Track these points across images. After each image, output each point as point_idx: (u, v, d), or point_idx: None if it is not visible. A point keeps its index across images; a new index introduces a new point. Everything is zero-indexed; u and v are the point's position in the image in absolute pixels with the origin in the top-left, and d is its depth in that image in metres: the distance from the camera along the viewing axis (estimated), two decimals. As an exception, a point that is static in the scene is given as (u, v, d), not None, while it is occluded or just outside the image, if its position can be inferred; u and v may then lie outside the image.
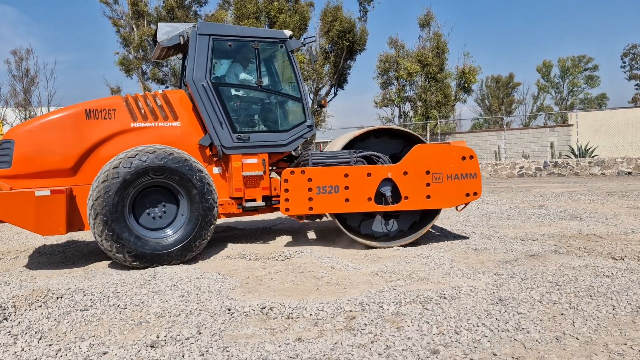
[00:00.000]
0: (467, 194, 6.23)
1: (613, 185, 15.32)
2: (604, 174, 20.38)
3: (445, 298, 4.03)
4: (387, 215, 6.51)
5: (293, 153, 7.04)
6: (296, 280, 4.83)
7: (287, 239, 7.14)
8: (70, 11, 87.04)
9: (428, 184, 6.12)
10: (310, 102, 6.69)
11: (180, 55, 7.90)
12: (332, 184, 6.01)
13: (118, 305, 4.13)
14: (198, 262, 5.77)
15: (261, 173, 6.37)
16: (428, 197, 6.15)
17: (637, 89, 58.83)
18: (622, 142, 23.32)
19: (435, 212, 6.44)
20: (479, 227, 7.69)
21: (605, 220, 7.93)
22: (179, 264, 5.67)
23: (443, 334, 3.32)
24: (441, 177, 6.14)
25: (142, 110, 6.15)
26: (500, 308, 3.76)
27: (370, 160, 6.31)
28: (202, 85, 6.23)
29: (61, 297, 4.36)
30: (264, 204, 6.46)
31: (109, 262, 5.92)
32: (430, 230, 7.55)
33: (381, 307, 3.87)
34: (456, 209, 6.47)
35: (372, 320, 3.58)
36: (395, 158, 6.43)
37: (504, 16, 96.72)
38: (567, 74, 61.84)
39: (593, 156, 21.72)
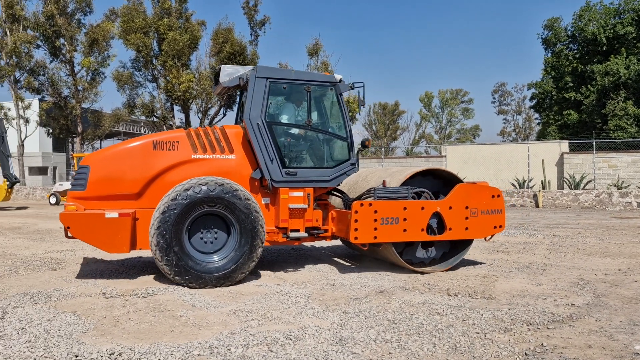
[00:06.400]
0: (495, 227, 7.34)
1: (473, 215, 16.77)
2: (469, 203, 22.20)
3: (291, 339, 4.33)
4: (424, 244, 7.33)
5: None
6: (153, 321, 4.90)
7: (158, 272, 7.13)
8: None
9: (467, 218, 7.12)
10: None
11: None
12: (393, 216, 6.73)
13: (-45, 354, 3.96)
14: (53, 300, 5.62)
15: (305, 206, 6.98)
16: (466, 228, 7.14)
17: (504, 123, 64.97)
18: (486, 174, 25.65)
19: (468, 242, 7.45)
20: (349, 257, 8.17)
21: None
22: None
23: (280, 377, 3.59)
24: (477, 212, 7.18)
25: (202, 143, 6.74)
26: (337, 348, 4.13)
27: (419, 196, 7.15)
28: (257, 123, 6.81)
29: None
30: (306, 234, 7.05)
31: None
32: (300, 258, 7.92)
33: (229, 350, 4.08)
34: (485, 239, 7.50)
35: (217, 365, 3.78)
36: (435, 195, 7.31)
37: (390, 48, 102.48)
38: (446, 105, 66.76)
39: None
